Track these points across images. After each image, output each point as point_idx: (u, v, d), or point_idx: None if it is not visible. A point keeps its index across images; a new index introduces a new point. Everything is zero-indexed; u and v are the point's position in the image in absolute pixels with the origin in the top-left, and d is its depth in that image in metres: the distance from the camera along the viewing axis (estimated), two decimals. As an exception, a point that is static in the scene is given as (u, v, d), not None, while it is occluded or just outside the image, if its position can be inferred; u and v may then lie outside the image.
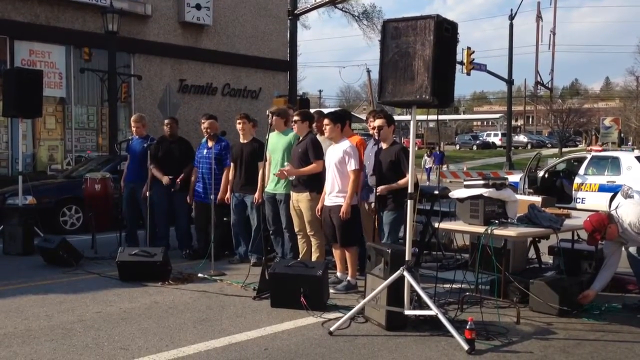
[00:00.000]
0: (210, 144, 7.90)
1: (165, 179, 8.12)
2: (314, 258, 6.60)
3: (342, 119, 6.55)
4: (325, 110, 7.82)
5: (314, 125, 7.05)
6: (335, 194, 6.32)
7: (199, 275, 6.99)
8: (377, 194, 6.25)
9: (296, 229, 6.86)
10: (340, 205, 6.21)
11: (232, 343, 4.70)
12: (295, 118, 6.84)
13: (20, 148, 10.28)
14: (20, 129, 9.99)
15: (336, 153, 6.33)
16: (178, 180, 8.20)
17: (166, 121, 8.69)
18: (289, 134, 7.22)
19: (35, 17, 15.96)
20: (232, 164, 7.79)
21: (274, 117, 7.10)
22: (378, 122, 6.42)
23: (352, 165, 6.22)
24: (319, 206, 6.48)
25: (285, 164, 6.89)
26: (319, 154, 6.65)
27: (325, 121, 6.49)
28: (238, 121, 7.75)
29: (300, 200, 6.69)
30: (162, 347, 4.58)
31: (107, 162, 12.05)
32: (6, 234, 8.65)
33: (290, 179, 6.85)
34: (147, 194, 7.98)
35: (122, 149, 10.12)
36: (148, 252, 6.90)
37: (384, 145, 6.46)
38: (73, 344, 4.68)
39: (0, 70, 14.77)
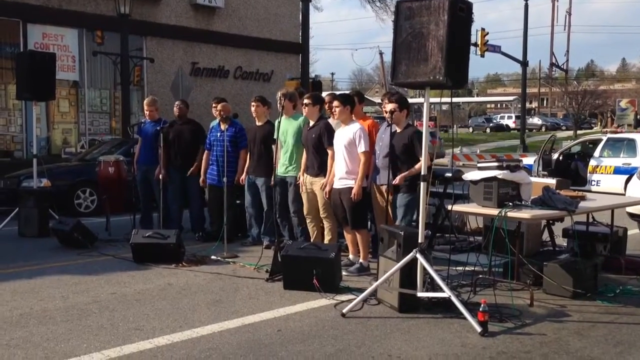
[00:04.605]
0: (223, 126, 7.89)
1: (157, 175, 8.16)
2: (326, 241, 6.60)
3: (352, 101, 6.51)
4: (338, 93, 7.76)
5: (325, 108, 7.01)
6: (344, 176, 6.29)
7: (212, 257, 7.03)
8: (394, 184, 6.20)
9: (305, 212, 6.86)
10: (351, 188, 6.19)
11: (245, 324, 4.73)
12: (306, 101, 6.79)
13: (35, 131, 10.38)
14: (34, 112, 10.07)
15: (346, 135, 6.29)
16: (190, 171, 8.25)
17: (176, 103, 8.75)
18: (298, 118, 7.19)
19: (48, 0, 15.96)
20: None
21: (285, 100, 7.07)
22: (390, 106, 6.33)
23: (362, 147, 6.18)
24: (327, 188, 6.46)
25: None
26: (332, 140, 6.61)
27: (335, 103, 6.45)
28: (252, 104, 7.75)
29: (314, 183, 6.68)
30: (176, 328, 4.63)
31: (120, 145, 12.12)
32: (22, 216, 8.74)
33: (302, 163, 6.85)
34: (160, 176, 8.03)
35: (134, 131, 10.15)
36: (162, 234, 6.94)
37: (397, 129, 6.41)
38: (88, 324, 4.73)
39: (14, 54, 14.84)
